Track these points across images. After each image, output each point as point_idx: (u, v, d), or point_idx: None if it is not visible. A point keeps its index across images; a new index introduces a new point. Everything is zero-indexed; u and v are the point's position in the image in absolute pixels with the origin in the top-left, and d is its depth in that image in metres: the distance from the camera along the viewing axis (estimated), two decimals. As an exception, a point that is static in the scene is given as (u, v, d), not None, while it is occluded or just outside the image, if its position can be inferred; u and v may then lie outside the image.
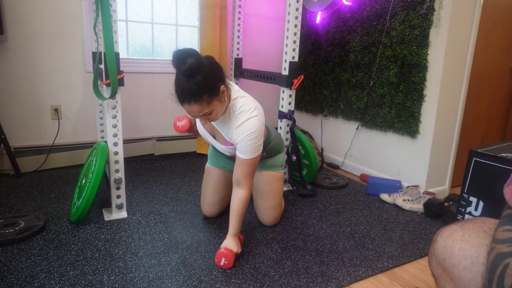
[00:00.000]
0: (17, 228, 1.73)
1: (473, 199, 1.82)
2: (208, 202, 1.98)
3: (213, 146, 1.90)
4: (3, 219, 1.81)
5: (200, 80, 1.32)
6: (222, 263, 1.56)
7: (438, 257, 0.92)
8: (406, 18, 2.43)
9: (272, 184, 1.93)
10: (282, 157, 2.02)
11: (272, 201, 1.93)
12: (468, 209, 1.84)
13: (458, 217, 1.87)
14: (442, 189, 2.57)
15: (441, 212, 2.15)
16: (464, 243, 0.86)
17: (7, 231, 1.70)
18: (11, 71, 2.46)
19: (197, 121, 1.75)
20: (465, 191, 1.84)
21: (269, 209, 1.93)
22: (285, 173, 2.43)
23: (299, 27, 2.25)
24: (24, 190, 2.26)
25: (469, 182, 1.82)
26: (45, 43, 2.52)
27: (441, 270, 0.92)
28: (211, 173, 1.98)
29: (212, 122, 1.63)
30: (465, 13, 2.28)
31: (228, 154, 1.76)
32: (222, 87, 1.43)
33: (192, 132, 1.80)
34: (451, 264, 0.88)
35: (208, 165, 2.02)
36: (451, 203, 2.15)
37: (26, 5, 2.41)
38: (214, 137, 1.76)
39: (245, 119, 1.53)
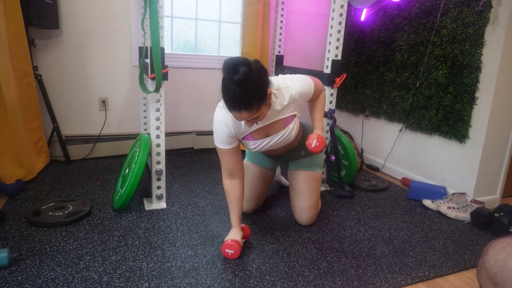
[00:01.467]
0: (66, 212, 1.84)
1: (527, 211, 1.69)
2: (245, 198, 1.98)
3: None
4: (54, 203, 1.93)
5: (251, 88, 1.33)
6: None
7: (489, 271, 0.87)
8: (459, 16, 2.29)
9: (309, 184, 1.91)
10: (320, 157, 1.99)
11: (309, 201, 1.90)
12: (521, 222, 1.71)
13: (510, 230, 1.75)
14: (492, 198, 2.41)
15: (490, 223, 2.02)
16: (520, 258, 0.80)
17: (57, 214, 1.81)
18: (65, 64, 2.61)
19: (247, 143, 1.71)
20: (519, 202, 1.72)
21: (305, 209, 1.91)
22: (323, 173, 2.39)
23: (343, 24, 2.20)
24: (73, 177, 2.40)
25: (524, 192, 1.70)
26: (95, 38, 2.65)
27: (492, 285, 0.87)
28: (249, 169, 1.99)
29: (265, 123, 1.62)
30: (527, 10, 2.12)
31: (286, 140, 1.72)
32: (269, 90, 1.43)
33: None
34: (504, 279, 0.82)
35: (246, 161, 2.03)
36: (502, 214, 2.01)
37: (80, 2, 2.54)
38: (268, 136, 1.69)
39: (287, 85, 1.61)
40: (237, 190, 1.69)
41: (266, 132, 1.67)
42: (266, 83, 1.41)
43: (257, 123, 1.59)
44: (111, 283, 1.38)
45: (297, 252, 1.68)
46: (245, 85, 1.31)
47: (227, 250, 1.59)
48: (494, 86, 2.15)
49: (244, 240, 1.70)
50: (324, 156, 2.20)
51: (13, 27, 2.12)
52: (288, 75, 1.69)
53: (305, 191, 1.90)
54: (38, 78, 2.43)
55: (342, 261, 1.64)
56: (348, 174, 2.54)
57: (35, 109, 2.38)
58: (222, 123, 1.57)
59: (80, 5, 2.55)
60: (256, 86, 1.35)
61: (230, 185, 1.70)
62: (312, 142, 1.67)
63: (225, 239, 1.63)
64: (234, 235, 1.64)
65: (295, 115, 1.68)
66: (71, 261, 1.49)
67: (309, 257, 1.65)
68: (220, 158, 1.69)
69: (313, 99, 1.77)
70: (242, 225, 1.73)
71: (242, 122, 1.54)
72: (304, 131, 1.85)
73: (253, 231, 1.85)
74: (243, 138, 1.68)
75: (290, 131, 1.68)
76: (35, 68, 2.40)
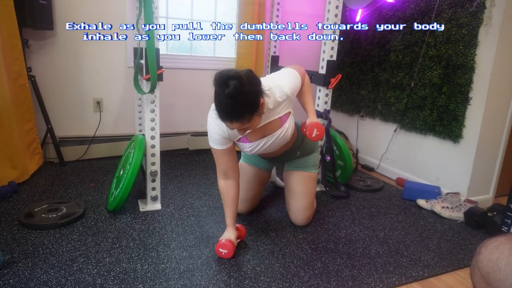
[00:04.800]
0: (59, 214, 1.82)
1: (520, 211, 1.70)
2: (240, 198, 1.98)
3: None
4: (47, 205, 1.92)
5: (242, 101, 1.34)
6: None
7: (482, 270, 0.87)
8: (453, 16, 2.31)
9: (304, 184, 1.91)
10: (315, 157, 1.99)
11: (304, 201, 1.91)
12: (514, 221, 1.72)
13: (503, 229, 1.77)
14: (485, 198, 2.42)
15: (483, 223, 2.03)
16: (512, 258, 0.81)
17: (51, 216, 1.80)
18: (59, 65, 2.59)
19: (241, 146, 1.72)
20: (512, 202, 1.73)
21: (301, 209, 1.91)
22: (318, 174, 2.40)
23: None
24: (67, 178, 2.38)
25: (517, 192, 1.71)
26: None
27: (485, 285, 0.87)
28: (245, 170, 1.99)
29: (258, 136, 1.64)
30: (520, 11, 2.13)
31: (282, 141, 1.71)
32: (261, 100, 1.44)
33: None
34: (496, 279, 0.82)
35: (241, 162, 2.03)
36: (495, 213, 2.02)
37: (74, 3, 2.53)
38: (265, 137, 1.68)
39: (276, 84, 1.59)
40: (232, 190, 1.69)
41: (262, 133, 1.67)
42: (258, 94, 1.42)
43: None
44: (105, 285, 1.37)
45: (292, 253, 1.68)
46: (236, 98, 1.33)
47: (220, 250, 1.59)
48: (488, 86, 2.17)
49: (239, 240, 1.70)
50: (319, 156, 2.21)
51: (6, 28, 2.11)
52: (274, 74, 1.70)
53: (301, 191, 1.91)
54: (32, 79, 2.41)
55: (337, 262, 1.64)
56: (343, 174, 2.54)
57: (29, 110, 2.37)
58: (216, 124, 1.57)
59: (75, 5, 2.53)
60: (248, 98, 1.35)
61: (225, 186, 1.70)
62: (312, 131, 1.66)
63: (220, 239, 1.63)
64: (228, 234, 1.64)
65: (289, 112, 1.68)
66: (64, 264, 1.48)
67: (304, 258, 1.65)
68: (215, 158, 1.69)
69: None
70: (238, 225, 1.73)
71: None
72: (299, 132, 1.85)
73: (248, 231, 1.84)
74: (238, 140, 1.68)
75: (286, 130, 1.68)
76: (28, 69, 2.38)
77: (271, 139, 1.67)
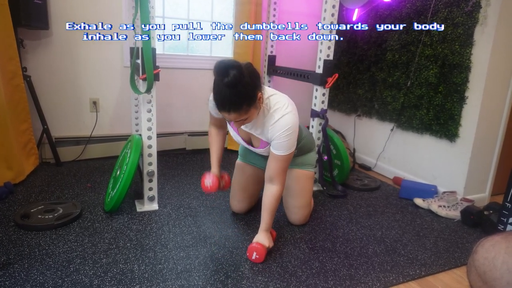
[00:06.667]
0: (56, 214, 1.82)
1: (516, 209, 1.71)
2: (238, 198, 1.99)
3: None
4: (43, 205, 1.91)
5: (241, 91, 1.35)
6: (253, 257, 1.57)
7: (478, 269, 0.87)
8: (449, 16, 2.32)
9: (302, 182, 1.91)
10: (313, 156, 1.99)
11: (302, 199, 1.91)
12: (511, 220, 1.73)
13: (499, 227, 1.77)
14: (481, 196, 2.43)
15: (480, 221, 2.04)
16: (509, 256, 0.81)
17: (47, 217, 1.79)
18: (54, 65, 2.58)
19: (231, 130, 1.76)
20: (508, 200, 1.74)
21: (298, 208, 1.91)
22: (315, 173, 2.40)
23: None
24: (63, 179, 2.37)
25: (513, 190, 1.72)
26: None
27: (481, 283, 0.87)
28: (242, 169, 1.99)
29: (245, 128, 1.66)
30: (515, 10, 2.14)
31: (265, 154, 1.76)
32: (259, 94, 1.45)
33: (220, 189, 1.85)
34: (493, 277, 0.83)
35: (239, 161, 2.03)
36: (491, 211, 2.03)
37: (70, 2, 2.51)
38: (251, 142, 1.77)
39: (280, 116, 1.53)
40: (221, 134, 1.86)
41: (248, 135, 1.72)
42: (256, 87, 1.43)
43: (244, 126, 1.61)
44: (102, 286, 1.36)
45: (289, 252, 1.68)
46: (235, 87, 1.34)
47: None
48: (484, 85, 2.18)
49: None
50: (317, 155, 2.21)
51: (1, 27, 2.09)
52: (293, 121, 1.54)
53: (298, 190, 1.91)
54: (27, 79, 2.39)
55: (334, 261, 1.64)
56: (340, 173, 2.55)
57: (24, 110, 2.35)
58: (214, 107, 1.62)
59: (70, 5, 2.52)
60: (246, 89, 1.37)
61: (215, 131, 1.85)
62: (252, 254, 1.57)
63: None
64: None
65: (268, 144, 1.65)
66: (61, 265, 1.47)
67: (302, 257, 1.65)
68: (210, 117, 1.82)
69: (271, 188, 1.64)
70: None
71: None
72: (299, 132, 1.84)
73: (246, 231, 1.84)
74: (229, 123, 1.74)
75: (263, 152, 1.73)
76: (24, 69, 2.37)
77: (254, 149, 1.76)
